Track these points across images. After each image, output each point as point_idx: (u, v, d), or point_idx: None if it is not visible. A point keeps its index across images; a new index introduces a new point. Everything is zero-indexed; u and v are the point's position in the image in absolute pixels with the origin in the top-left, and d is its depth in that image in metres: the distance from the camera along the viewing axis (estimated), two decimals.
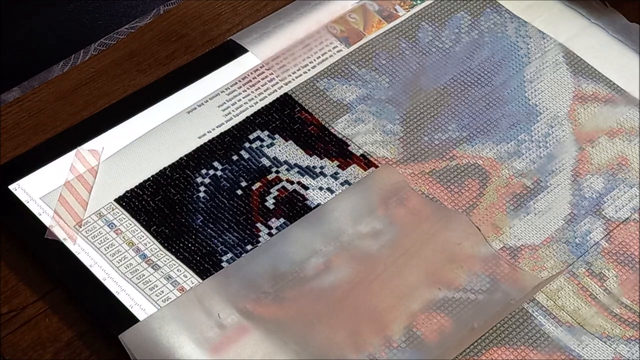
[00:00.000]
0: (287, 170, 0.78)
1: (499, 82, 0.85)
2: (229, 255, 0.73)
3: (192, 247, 0.74)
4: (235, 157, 0.78)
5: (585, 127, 0.83)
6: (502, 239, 0.76)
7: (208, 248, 0.74)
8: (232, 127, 0.80)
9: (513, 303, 0.73)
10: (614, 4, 0.91)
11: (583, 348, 0.72)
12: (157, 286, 0.72)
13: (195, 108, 0.81)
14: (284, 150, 0.79)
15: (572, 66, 0.87)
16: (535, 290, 0.74)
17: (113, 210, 0.75)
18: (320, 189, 0.77)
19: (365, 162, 0.79)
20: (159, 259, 0.73)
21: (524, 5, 0.90)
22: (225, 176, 0.77)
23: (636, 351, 0.72)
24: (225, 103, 0.81)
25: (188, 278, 0.72)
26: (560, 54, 0.87)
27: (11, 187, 0.75)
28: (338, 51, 0.86)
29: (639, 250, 0.77)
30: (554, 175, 0.80)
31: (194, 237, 0.74)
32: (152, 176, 0.77)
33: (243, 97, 0.82)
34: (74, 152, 0.77)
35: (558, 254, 0.76)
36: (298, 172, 0.78)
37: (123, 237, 0.74)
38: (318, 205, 0.76)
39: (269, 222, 0.75)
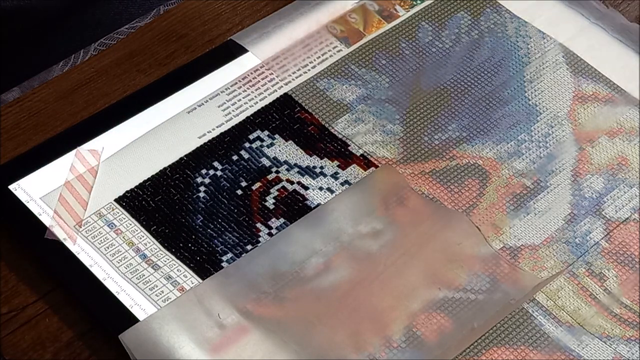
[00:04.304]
0: (287, 170, 0.78)
1: (499, 82, 0.85)
2: (229, 255, 0.73)
3: (192, 247, 0.74)
4: (235, 157, 0.78)
5: (585, 127, 0.83)
6: (502, 239, 0.76)
7: (208, 248, 0.74)
8: (232, 127, 0.80)
9: (513, 303, 0.73)
10: (614, 4, 0.91)
11: (583, 348, 0.72)
12: (157, 286, 0.72)
13: (195, 108, 0.81)
14: (284, 150, 0.79)
15: (572, 66, 0.87)
16: (535, 290, 0.74)
17: (113, 210, 0.75)
18: (320, 189, 0.77)
19: (365, 162, 0.79)
20: (159, 259, 0.73)
21: (524, 5, 0.90)
22: (225, 176, 0.77)
23: (636, 351, 0.72)
24: (225, 103, 0.81)
25: (188, 278, 0.72)
26: (560, 54, 0.87)
27: (11, 187, 0.75)
28: (338, 51, 0.86)
29: (639, 250, 0.77)
30: (554, 175, 0.80)
31: (194, 237, 0.74)
32: (152, 176, 0.77)
33: (243, 97, 0.82)
34: (74, 152, 0.77)
35: (558, 254, 0.76)
36: (298, 172, 0.78)
37: (123, 237, 0.74)
38: (318, 205, 0.76)
39: (269, 222, 0.75)
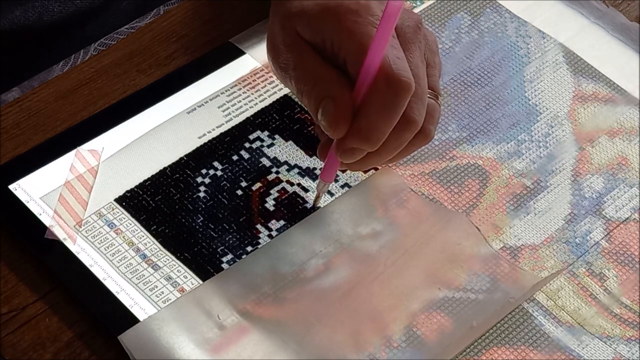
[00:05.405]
0: (287, 170, 0.78)
1: (499, 82, 0.85)
2: (229, 256, 0.73)
3: (193, 249, 0.74)
4: (235, 157, 0.78)
5: (585, 127, 0.83)
6: (502, 239, 0.76)
7: (208, 249, 0.74)
8: (232, 127, 0.80)
9: (512, 302, 0.73)
10: (614, 3, 0.91)
11: (583, 348, 0.72)
12: (157, 287, 0.72)
13: (195, 109, 0.81)
14: (284, 150, 0.79)
15: (572, 66, 0.87)
16: (535, 289, 0.74)
17: (113, 210, 0.75)
18: None
19: None
20: (159, 259, 0.73)
21: (524, 5, 0.90)
22: (226, 176, 0.77)
23: (636, 351, 0.72)
24: (225, 104, 0.81)
25: (188, 279, 0.72)
26: (560, 54, 0.87)
27: (11, 187, 0.75)
28: None
29: (639, 250, 0.77)
30: (554, 175, 0.80)
31: (194, 237, 0.74)
32: (152, 176, 0.77)
33: (243, 99, 0.82)
34: (74, 152, 0.77)
35: (558, 254, 0.76)
36: (298, 173, 0.78)
37: (123, 237, 0.74)
38: (318, 207, 0.76)
39: (269, 224, 0.75)
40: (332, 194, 0.77)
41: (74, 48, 0.86)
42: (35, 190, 0.75)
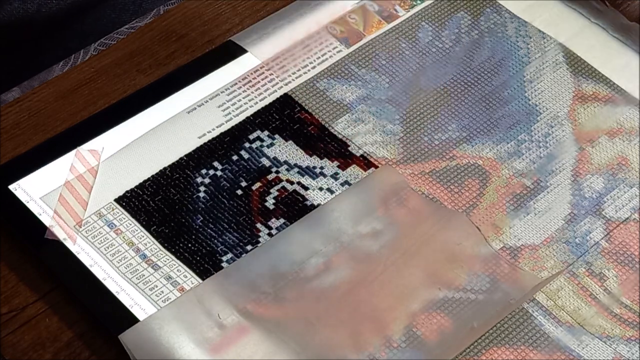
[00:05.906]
0: (287, 170, 0.78)
1: (499, 82, 0.85)
2: (229, 255, 0.73)
3: (192, 247, 0.74)
4: (235, 157, 0.78)
5: (585, 127, 0.83)
6: (502, 239, 0.76)
7: (208, 248, 0.74)
8: (232, 127, 0.80)
9: (513, 303, 0.73)
10: (614, 4, 0.91)
11: (583, 348, 0.72)
12: (157, 286, 0.72)
13: (195, 108, 0.81)
14: (284, 150, 0.79)
15: (572, 66, 0.87)
16: (535, 290, 0.74)
17: (113, 210, 0.75)
18: (320, 189, 0.77)
19: (365, 162, 0.79)
20: (159, 259, 0.73)
21: (524, 5, 0.90)
22: (225, 176, 0.77)
23: (636, 351, 0.72)
24: (225, 103, 0.81)
25: (188, 278, 0.72)
26: (560, 54, 0.87)
27: (11, 187, 0.75)
28: (338, 52, 0.86)
29: (639, 250, 0.77)
30: (554, 175, 0.80)
31: (194, 237, 0.74)
32: (152, 176, 0.77)
33: (243, 98, 0.82)
34: (74, 152, 0.77)
35: (558, 254, 0.76)
36: (298, 172, 0.78)
37: (123, 237, 0.74)
38: (318, 205, 0.76)
39: (269, 223, 0.75)
40: (332, 192, 0.77)
41: (74, 45, 0.86)
42: (35, 190, 0.75)
